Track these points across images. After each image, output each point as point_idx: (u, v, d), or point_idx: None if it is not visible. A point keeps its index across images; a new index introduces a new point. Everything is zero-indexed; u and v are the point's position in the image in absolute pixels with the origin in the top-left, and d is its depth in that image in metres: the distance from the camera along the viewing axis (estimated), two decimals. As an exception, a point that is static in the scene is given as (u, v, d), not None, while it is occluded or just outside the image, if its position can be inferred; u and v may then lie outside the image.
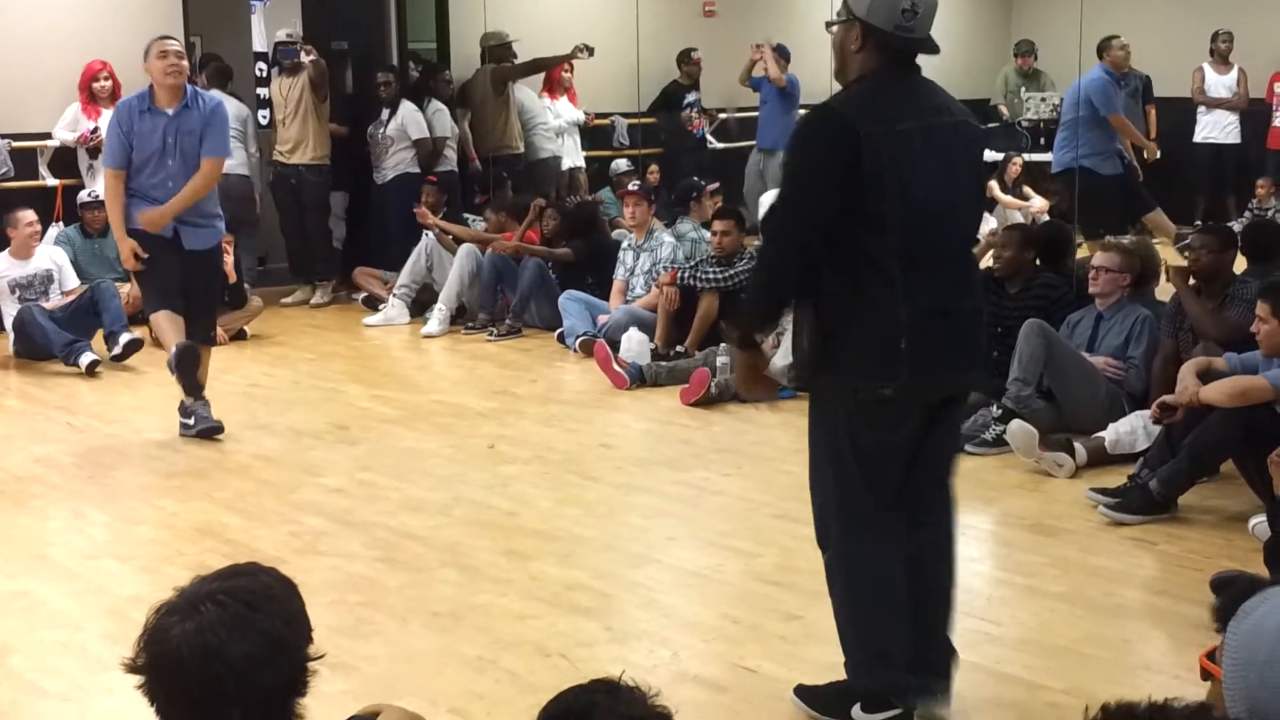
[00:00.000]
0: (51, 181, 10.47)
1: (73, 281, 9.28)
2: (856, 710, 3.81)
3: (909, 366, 3.54)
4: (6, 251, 9.19)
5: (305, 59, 10.65)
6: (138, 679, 2.32)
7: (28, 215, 9.21)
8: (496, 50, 11.76)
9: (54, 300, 9.12)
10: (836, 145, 3.50)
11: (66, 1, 10.60)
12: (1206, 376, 5.61)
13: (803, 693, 3.96)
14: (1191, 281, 6.53)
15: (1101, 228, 8.84)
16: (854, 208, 3.50)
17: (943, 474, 3.88)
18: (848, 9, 3.63)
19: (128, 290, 8.96)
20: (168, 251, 6.94)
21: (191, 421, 7.04)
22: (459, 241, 10.23)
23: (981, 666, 4.22)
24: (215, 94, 7.59)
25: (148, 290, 7.22)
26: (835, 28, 3.69)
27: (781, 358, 7.63)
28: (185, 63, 7.07)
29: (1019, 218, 12.78)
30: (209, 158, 6.98)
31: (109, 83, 10.10)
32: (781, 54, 12.86)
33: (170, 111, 6.89)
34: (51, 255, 9.34)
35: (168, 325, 7.05)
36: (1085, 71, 10.16)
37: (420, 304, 10.20)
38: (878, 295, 3.53)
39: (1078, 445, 6.20)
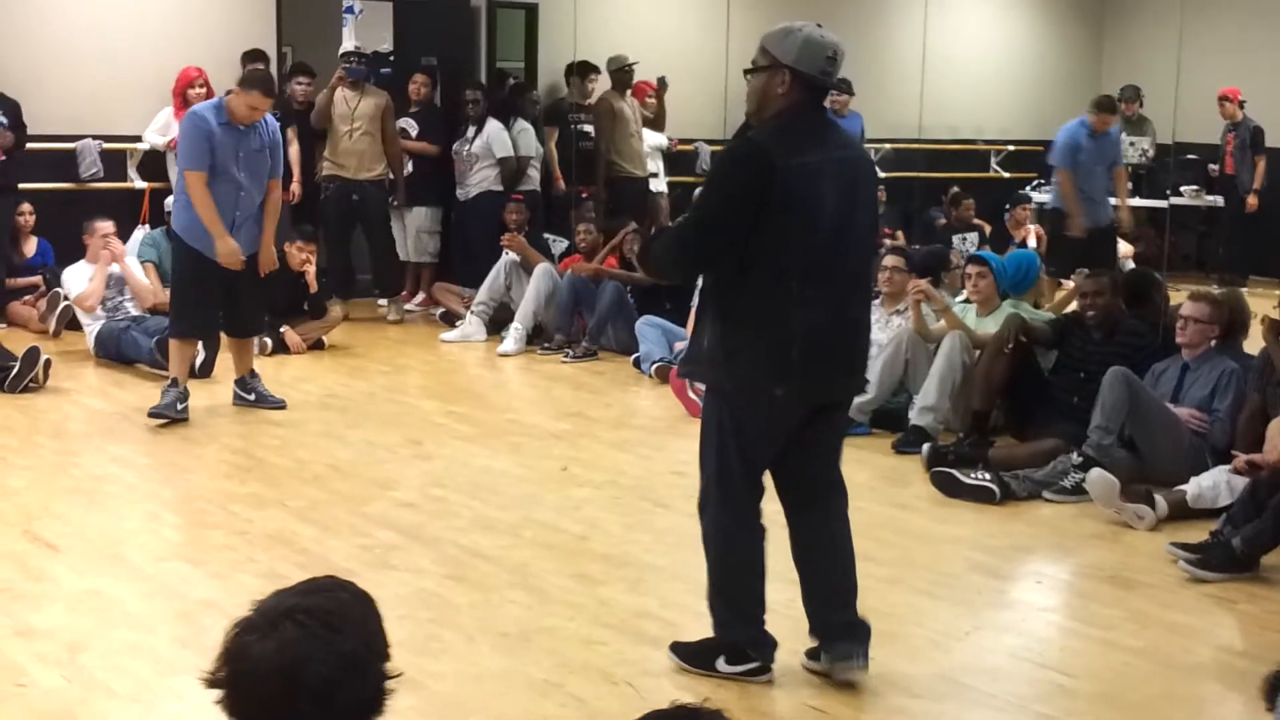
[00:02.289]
0: (140, 184, 10.63)
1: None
2: (720, 662, 4.32)
3: (800, 372, 4.05)
4: (84, 261, 9.31)
5: None
6: (216, 692, 2.31)
7: (104, 225, 9.35)
8: (619, 74, 11.81)
9: (129, 292, 9.25)
10: (755, 173, 4.00)
11: (161, 7, 10.76)
12: (1295, 434, 5.51)
13: (676, 647, 4.44)
14: (1282, 335, 6.42)
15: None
16: (764, 228, 4.00)
17: (828, 466, 4.38)
18: (771, 57, 4.12)
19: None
20: (214, 273, 7.44)
21: (252, 397, 7.80)
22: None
23: (1054, 719, 4.14)
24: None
25: (182, 309, 7.65)
26: (757, 74, 4.17)
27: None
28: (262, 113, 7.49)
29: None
30: (276, 180, 7.67)
31: (203, 89, 10.20)
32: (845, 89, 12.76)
33: (242, 129, 7.44)
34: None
35: (181, 356, 7.60)
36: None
37: (497, 322, 10.22)
38: (777, 307, 4.04)
39: (1158, 497, 6.10)
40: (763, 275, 4.03)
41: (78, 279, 9.24)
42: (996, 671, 4.49)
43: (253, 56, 10.58)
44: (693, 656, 4.39)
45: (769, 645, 4.35)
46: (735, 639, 4.33)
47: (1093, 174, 10.80)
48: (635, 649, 4.58)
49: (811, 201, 4.02)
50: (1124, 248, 12.97)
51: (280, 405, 7.86)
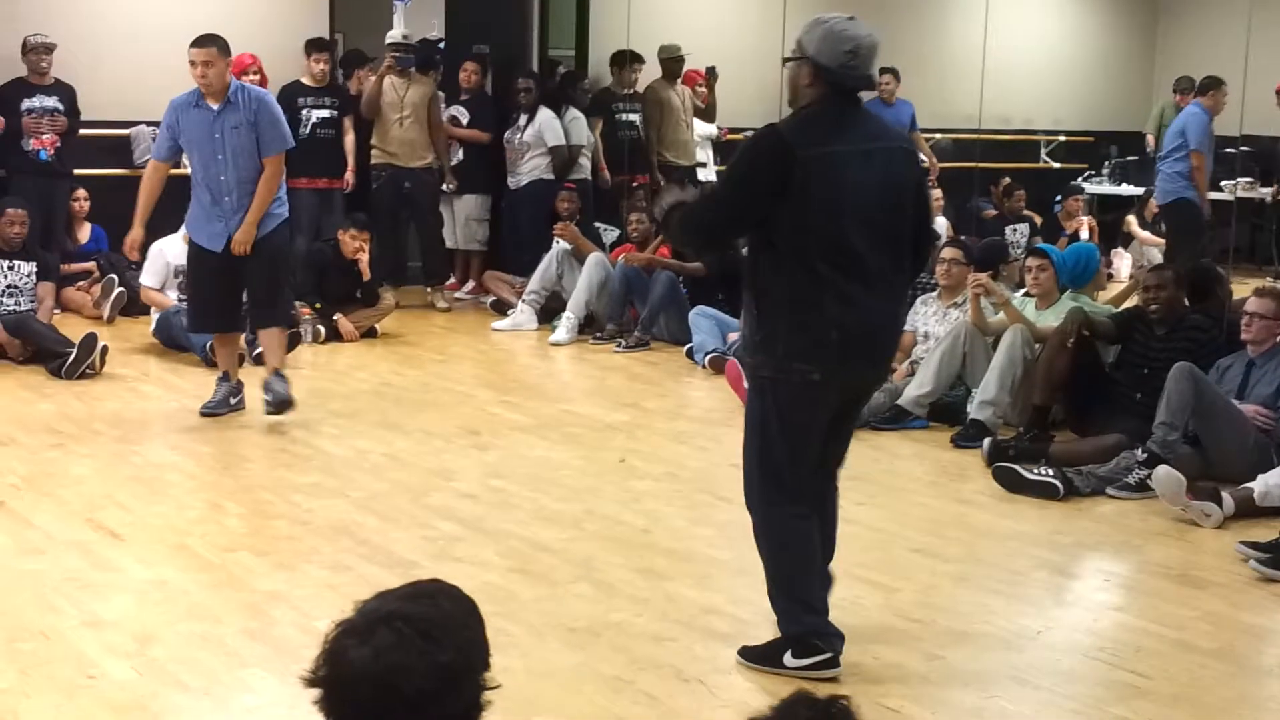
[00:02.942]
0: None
1: None
2: (788, 657, 4.29)
3: (836, 355, 4.10)
4: (179, 234, 8.94)
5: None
6: (313, 692, 2.30)
7: None
8: (669, 64, 11.77)
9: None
10: (772, 161, 4.07)
11: (216, -7, 10.78)
12: (1369, 433, 5.44)
13: (744, 652, 4.40)
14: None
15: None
16: (788, 216, 4.05)
17: (839, 455, 4.50)
18: (801, 48, 4.16)
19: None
20: (213, 265, 7.22)
21: (269, 396, 7.22)
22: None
23: (1132, 722, 4.11)
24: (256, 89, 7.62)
25: (193, 305, 7.64)
26: (789, 64, 4.22)
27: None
28: (214, 69, 7.08)
29: (1156, 254, 12.54)
30: (270, 156, 7.17)
31: (257, 76, 10.20)
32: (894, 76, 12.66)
33: (216, 106, 7.10)
34: None
35: (221, 350, 7.54)
36: (1246, 106, 10.03)
37: (548, 311, 10.20)
38: (809, 293, 4.08)
39: (1225, 495, 6.03)
40: (793, 263, 4.09)
41: (155, 261, 9.13)
42: (1071, 673, 4.44)
43: (317, 45, 10.59)
44: (760, 657, 4.37)
45: (835, 636, 4.33)
46: (800, 630, 4.31)
47: (1208, 160, 10.63)
48: (705, 646, 4.56)
49: (834, 191, 4.05)
50: (1147, 235, 12.86)
51: (286, 401, 7.22)
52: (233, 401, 7.43)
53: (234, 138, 7.08)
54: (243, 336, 7.97)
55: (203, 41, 7.16)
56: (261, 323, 7.52)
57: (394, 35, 10.83)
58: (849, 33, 4.11)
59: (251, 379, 7.59)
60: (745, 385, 7.88)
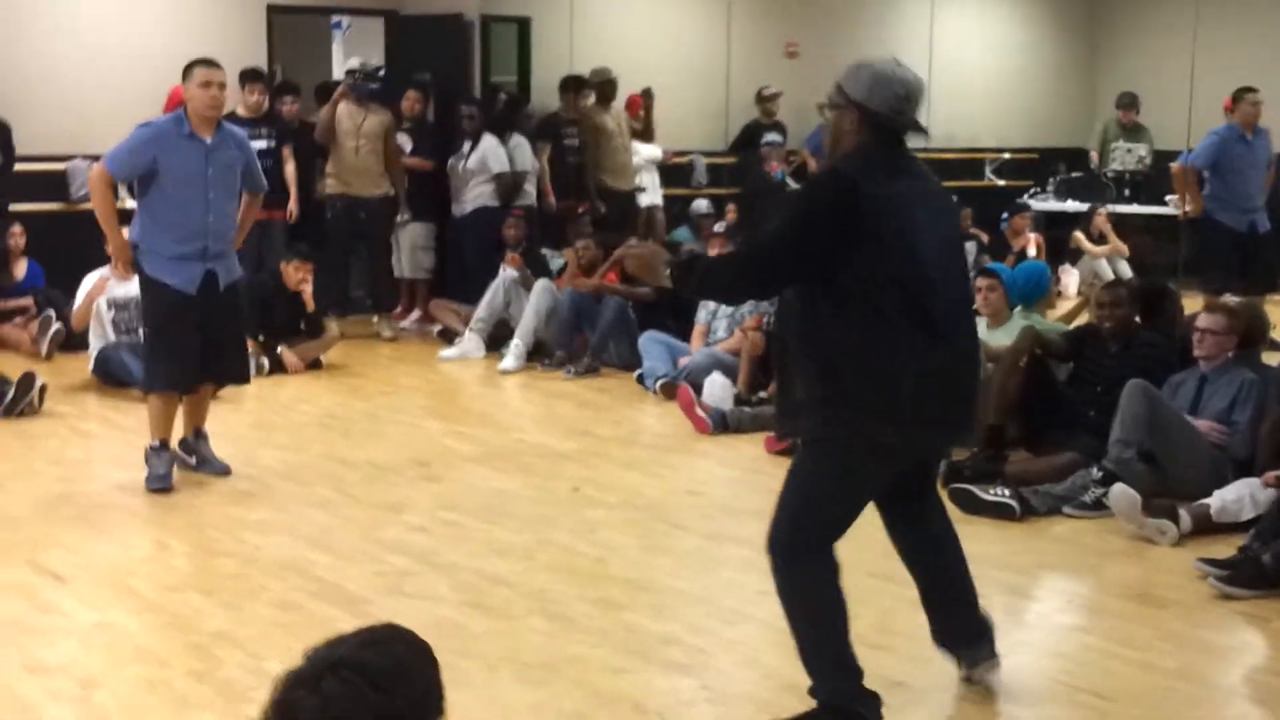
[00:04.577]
0: (131, 203, 10.45)
1: None
2: None
3: (912, 412, 3.80)
4: (107, 268, 8.83)
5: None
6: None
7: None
8: (604, 86, 11.73)
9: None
10: (837, 196, 3.79)
11: (151, 24, 10.68)
12: (1324, 447, 5.43)
13: None
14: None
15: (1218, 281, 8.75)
16: (861, 264, 3.78)
17: (933, 484, 4.38)
18: (844, 95, 3.94)
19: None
20: (188, 311, 6.51)
21: (193, 460, 6.87)
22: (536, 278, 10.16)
23: (1100, 745, 4.05)
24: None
25: (157, 360, 6.67)
26: (829, 111, 4.01)
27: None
28: (224, 95, 6.68)
29: (1105, 267, 12.60)
30: (258, 194, 6.92)
31: (196, 107, 10.03)
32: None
33: (209, 140, 6.52)
34: None
35: (163, 413, 6.64)
36: (1195, 125, 9.99)
37: (496, 339, 10.11)
38: (881, 345, 3.79)
39: (1182, 512, 6.00)
40: (862, 312, 3.79)
41: (83, 291, 9.01)
42: (1035, 695, 4.39)
43: (252, 75, 10.47)
44: None
45: (875, 701, 4.05)
46: (841, 693, 4.01)
47: (1246, 177, 10.29)
48: (665, 678, 4.47)
49: (905, 233, 3.81)
50: (1105, 247, 12.90)
51: (224, 471, 6.83)
52: (176, 470, 6.81)
53: (226, 176, 6.58)
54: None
55: (212, 62, 6.66)
56: (231, 377, 7.02)
57: (352, 62, 10.76)
58: (899, 76, 3.92)
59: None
60: (697, 412, 7.91)
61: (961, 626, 4.37)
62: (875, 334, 3.79)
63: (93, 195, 6.71)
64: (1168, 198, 13.14)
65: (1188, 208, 10.67)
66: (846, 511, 4.02)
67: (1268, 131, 10.43)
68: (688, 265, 4.12)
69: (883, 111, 3.89)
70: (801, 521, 4.00)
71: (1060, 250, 13.20)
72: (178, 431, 6.85)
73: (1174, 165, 10.57)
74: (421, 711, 2.26)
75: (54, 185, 10.37)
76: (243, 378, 7.08)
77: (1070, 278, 12.82)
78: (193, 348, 6.61)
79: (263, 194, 7.00)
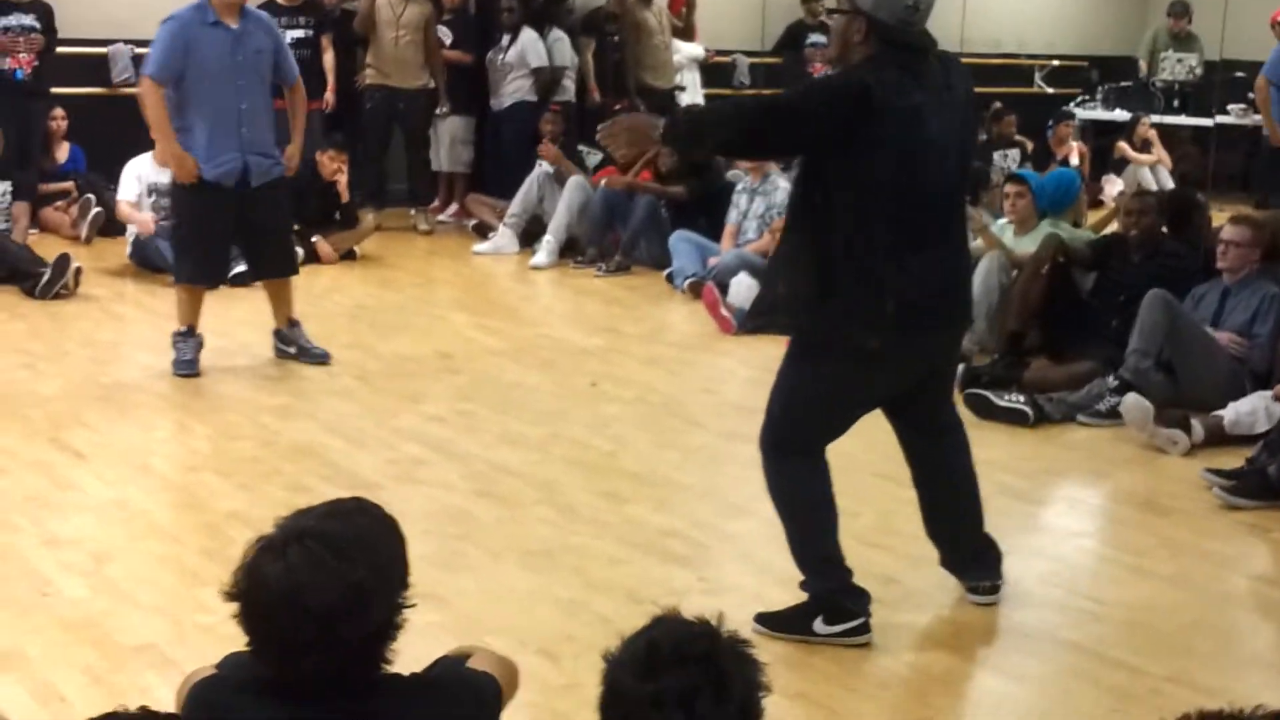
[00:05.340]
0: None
1: None
2: (818, 624, 4.04)
3: (895, 322, 3.77)
4: (150, 154, 8.87)
5: None
6: (233, 607, 2.30)
7: None
8: None
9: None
10: (853, 101, 3.71)
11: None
12: (1337, 361, 5.42)
13: (762, 619, 4.08)
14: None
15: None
16: (858, 169, 3.74)
17: (941, 403, 4.27)
18: (850, 1, 3.82)
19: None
20: (223, 206, 6.56)
21: (293, 350, 7.00)
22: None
23: (1084, 647, 4.11)
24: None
25: (186, 253, 6.81)
26: (835, 16, 3.91)
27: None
28: None
29: (1149, 177, 12.46)
30: (298, 83, 6.89)
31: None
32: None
33: (235, 27, 6.51)
34: None
35: (189, 302, 6.73)
36: (1226, 34, 9.80)
37: (530, 234, 10.14)
38: (870, 255, 3.76)
39: (1195, 423, 6.01)
40: (854, 217, 3.76)
41: (128, 181, 9.04)
42: (1026, 597, 4.43)
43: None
44: (785, 623, 4.08)
45: (863, 596, 4.10)
46: (830, 587, 4.08)
47: None
48: (662, 569, 4.56)
49: (911, 145, 3.75)
50: (1150, 156, 12.74)
51: (324, 359, 6.94)
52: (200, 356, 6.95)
53: (256, 62, 6.56)
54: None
55: None
56: (279, 271, 6.99)
57: None
58: None
59: (229, 301, 7.55)
60: (722, 311, 7.93)
61: (965, 552, 4.36)
62: (864, 240, 3.77)
63: (146, 109, 6.67)
64: (1230, 106, 12.94)
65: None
66: (831, 417, 4.03)
67: None
68: (681, 117, 4.10)
69: (890, 22, 3.79)
70: (784, 422, 4.01)
71: (1106, 159, 13.07)
72: (272, 323, 7.03)
73: (1259, 80, 10.33)
74: (384, 581, 2.31)
75: (96, 69, 10.41)
76: (283, 272, 7.04)
77: (1113, 186, 12.68)
78: (224, 243, 6.75)
79: (298, 84, 6.96)
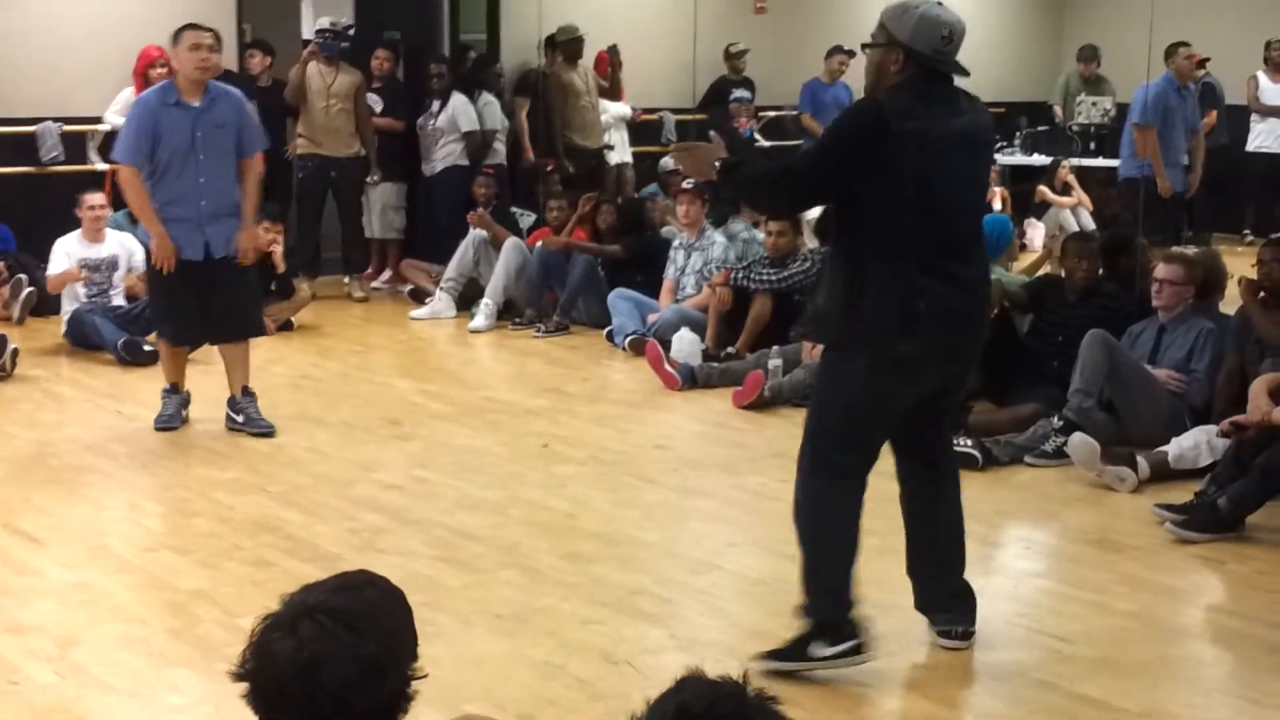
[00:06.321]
0: (101, 166, 10.47)
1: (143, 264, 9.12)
2: (815, 647, 4.14)
3: (926, 329, 3.99)
4: (78, 233, 8.95)
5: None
6: (240, 687, 2.30)
7: (93, 198, 9.01)
8: (570, 44, 11.72)
9: (120, 280, 9.01)
10: (871, 134, 3.98)
11: (119, -16, 10.60)
12: (1277, 394, 5.55)
13: (772, 655, 4.16)
14: (1261, 295, 6.46)
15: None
16: (882, 193, 3.99)
17: (948, 426, 4.48)
18: (887, 33, 4.11)
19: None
20: (192, 276, 6.75)
21: (241, 419, 7.00)
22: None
23: (1055, 686, 4.17)
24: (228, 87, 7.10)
25: (164, 320, 7.10)
26: (872, 50, 4.17)
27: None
28: (217, 56, 6.88)
29: (1070, 219, 12.67)
30: (257, 154, 6.94)
31: (165, 69, 9.99)
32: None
33: (197, 104, 6.66)
34: (121, 240, 9.07)
35: (171, 361, 7.09)
36: (1153, 77, 10.01)
37: (466, 298, 10.16)
38: (900, 269, 4.00)
39: (1140, 459, 6.13)
40: (885, 237, 4.02)
41: (58, 258, 8.98)
42: (994, 639, 4.49)
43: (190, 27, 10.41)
44: (785, 653, 4.18)
45: (865, 627, 4.20)
46: (829, 616, 4.17)
47: (1179, 134, 10.40)
48: (633, 628, 4.57)
49: (932, 168, 4.00)
50: (1069, 199, 12.97)
51: (269, 433, 6.91)
52: (184, 414, 7.13)
53: (217, 137, 6.69)
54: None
55: (201, 25, 6.80)
56: (243, 333, 7.08)
57: (322, 21, 10.76)
58: (943, 18, 4.08)
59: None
60: (666, 368, 7.98)
61: (944, 592, 4.42)
62: (894, 258, 4.00)
63: (127, 195, 6.91)
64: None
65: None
66: (865, 426, 4.15)
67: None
68: (734, 168, 4.27)
69: (927, 53, 4.06)
70: (820, 433, 4.17)
71: (1026, 204, 13.29)
72: (225, 392, 7.11)
73: (1134, 126, 10.54)
74: (395, 652, 2.32)
75: (23, 148, 10.33)
76: (241, 334, 7.10)
77: (1036, 231, 12.91)
78: (196, 309, 6.88)
79: (252, 160, 6.93)
